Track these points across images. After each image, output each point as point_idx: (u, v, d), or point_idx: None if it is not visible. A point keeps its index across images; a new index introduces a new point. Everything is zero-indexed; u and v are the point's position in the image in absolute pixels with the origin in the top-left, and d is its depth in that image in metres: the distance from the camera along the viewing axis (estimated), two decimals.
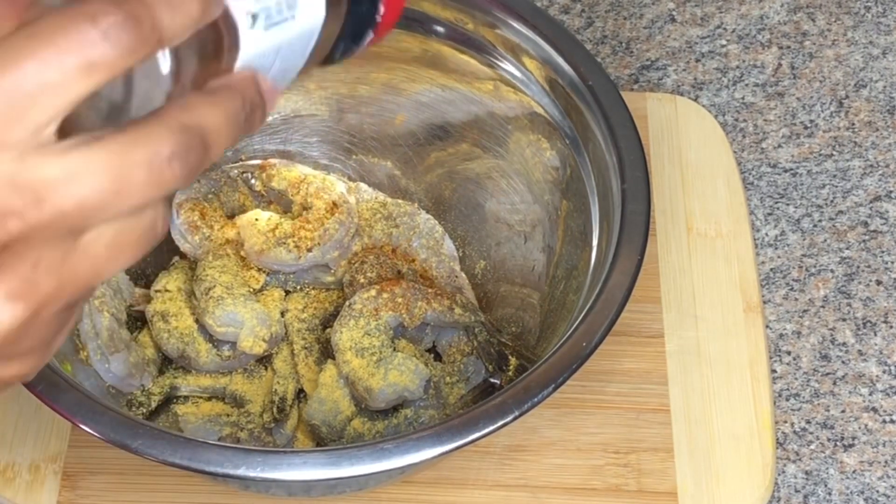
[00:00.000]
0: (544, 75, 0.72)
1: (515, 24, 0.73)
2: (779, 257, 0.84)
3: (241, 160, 0.80)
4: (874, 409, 0.78)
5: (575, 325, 0.63)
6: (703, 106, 0.88)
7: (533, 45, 0.72)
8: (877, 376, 0.79)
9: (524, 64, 0.73)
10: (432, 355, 0.75)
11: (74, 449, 0.71)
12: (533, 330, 0.72)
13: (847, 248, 0.84)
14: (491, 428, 0.59)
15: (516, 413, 0.60)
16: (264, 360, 0.75)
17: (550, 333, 0.69)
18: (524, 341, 0.73)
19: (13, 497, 0.69)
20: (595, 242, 0.68)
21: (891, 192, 0.87)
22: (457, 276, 0.77)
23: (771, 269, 0.83)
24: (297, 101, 0.79)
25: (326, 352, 0.73)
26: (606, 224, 0.67)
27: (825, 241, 0.85)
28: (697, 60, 0.94)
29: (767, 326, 0.80)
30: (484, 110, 0.76)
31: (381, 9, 0.45)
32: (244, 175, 0.79)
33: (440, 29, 0.75)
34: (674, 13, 0.96)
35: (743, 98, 0.92)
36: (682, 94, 0.91)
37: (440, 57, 0.76)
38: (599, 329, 0.62)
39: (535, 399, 0.60)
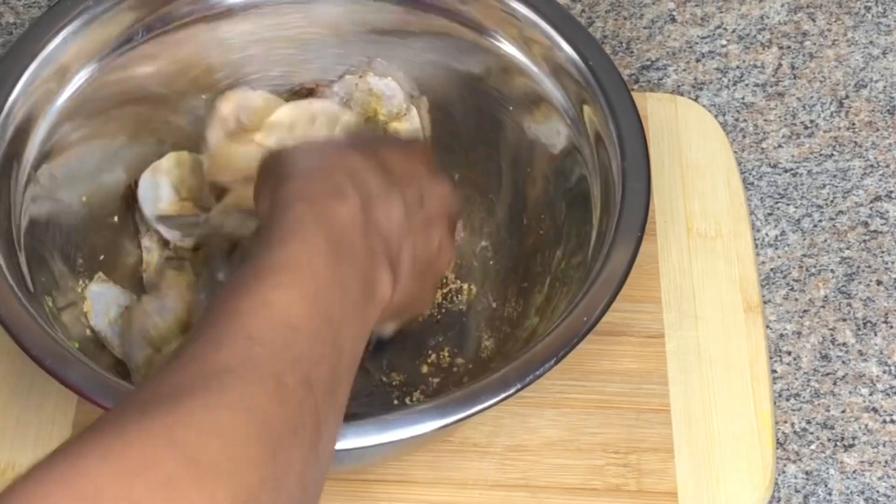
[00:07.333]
0: (546, 56, 0.73)
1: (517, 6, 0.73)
2: (779, 257, 0.84)
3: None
4: (874, 409, 0.78)
5: (576, 301, 0.63)
6: (703, 106, 0.89)
7: (536, 28, 0.73)
8: (877, 376, 0.79)
9: (528, 46, 0.73)
10: None
11: None
12: (534, 307, 0.73)
13: (847, 248, 0.84)
14: (494, 400, 0.60)
15: (518, 386, 0.60)
16: None
17: (552, 312, 0.69)
18: (524, 318, 0.73)
19: None
20: (596, 220, 0.68)
21: (891, 192, 0.87)
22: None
23: (771, 269, 0.83)
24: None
25: None
26: (607, 202, 0.68)
27: (825, 241, 0.85)
28: (697, 60, 0.94)
29: (767, 326, 0.80)
30: (488, 93, 0.76)
31: None
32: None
33: (448, 11, 0.75)
34: (674, 13, 0.96)
35: (743, 98, 0.92)
36: (682, 94, 0.91)
37: (446, 37, 0.76)
38: (600, 304, 0.63)
39: (538, 372, 0.60)
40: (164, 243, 0.76)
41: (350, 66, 0.79)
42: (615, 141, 0.68)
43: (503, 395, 0.60)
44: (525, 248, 0.76)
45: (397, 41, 0.77)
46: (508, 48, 0.74)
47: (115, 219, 0.76)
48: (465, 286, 0.78)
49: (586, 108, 0.71)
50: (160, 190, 0.76)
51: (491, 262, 0.78)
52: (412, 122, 0.78)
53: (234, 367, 0.46)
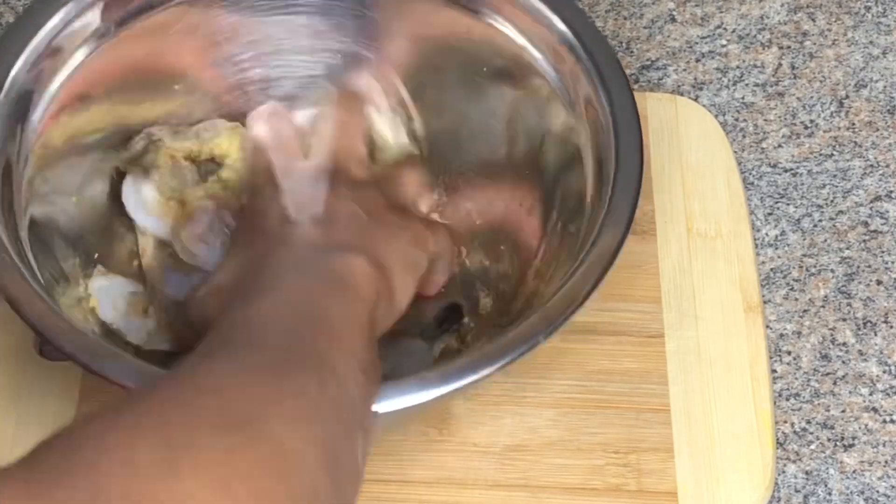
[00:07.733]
0: (541, 34, 0.73)
1: None
2: (779, 257, 0.84)
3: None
4: (874, 409, 0.78)
5: (580, 258, 0.64)
6: (704, 106, 0.89)
7: (530, 6, 0.73)
8: (877, 376, 0.79)
9: (521, 22, 0.73)
10: None
11: None
12: (532, 272, 0.73)
13: (847, 248, 0.84)
14: (523, 349, 0.61)
15: (547, 331, 0.62)
16: None
17: (552, 274, 0.69)
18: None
19: None
20: (590, 186, 0.69)
21: (891, 192, 0.87)
22: None
23: (771, 269, 0.83)
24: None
25: None
26: (601, 168, 0.68)
27: (825, 241, 0.85)
28: (697, 60, 0.94)
29: (767, 326, 0.80)
30: (478, 70, 0.76)
31: None
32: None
33: None
34: (674, 13, 0.96)
35: (743, 98, 0.92)
36: (682, 94, 0.91)
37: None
38: (606, 256, 0.64)
39: (559, 321, 0.62)
40: (164, 243, 0.76)
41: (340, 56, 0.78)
42: (607, 108, 0.69)
43: (530, 345, 0.61)
44: (513, 208, 0.76)
45: None
46: (497, 21, 0.74)
47: (107, 207, 0.76)
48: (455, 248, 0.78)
49: (577, 84, 0.71)
50: (143, 192, 0.76)
51: (478, 223, 0.77)
52: (398, 138, 0.78)
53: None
